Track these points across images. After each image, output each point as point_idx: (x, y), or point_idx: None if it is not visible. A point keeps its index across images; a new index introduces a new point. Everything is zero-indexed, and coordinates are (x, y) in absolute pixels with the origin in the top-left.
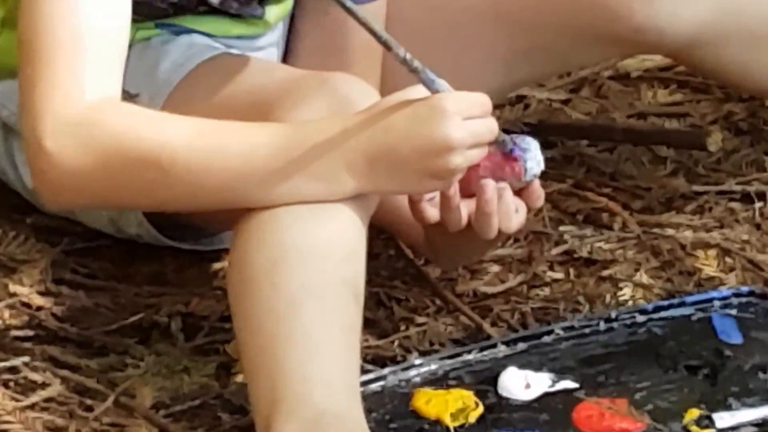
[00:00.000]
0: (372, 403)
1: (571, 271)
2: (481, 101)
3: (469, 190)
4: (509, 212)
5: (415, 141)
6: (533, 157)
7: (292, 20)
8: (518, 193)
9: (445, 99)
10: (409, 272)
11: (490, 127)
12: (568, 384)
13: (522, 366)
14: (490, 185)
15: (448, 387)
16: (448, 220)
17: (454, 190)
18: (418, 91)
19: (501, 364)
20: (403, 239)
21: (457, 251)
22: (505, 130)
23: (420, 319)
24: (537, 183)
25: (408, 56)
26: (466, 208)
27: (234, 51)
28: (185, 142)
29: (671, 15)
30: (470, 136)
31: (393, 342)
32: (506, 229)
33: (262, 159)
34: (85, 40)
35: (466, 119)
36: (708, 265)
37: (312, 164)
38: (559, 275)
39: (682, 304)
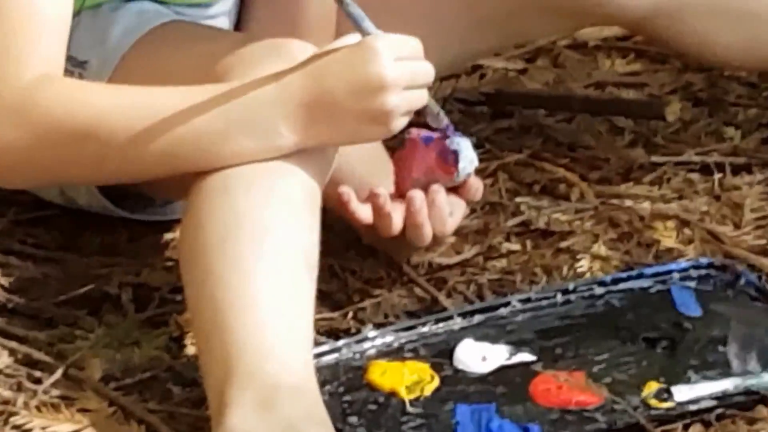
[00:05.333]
0: (326, 375)
1: (528, 242)
2: (413, 43)
3: (402, 191)
4: (443, 217)
5: (349, 83)
6: (465, 156)
7: None
8: (454, 188)
9: (376, 39)
10: (364, 243)
11: (424, 69)
12: (525, 356)
13: (478, 338)
14: (417, 197)
15: (404, 359)
16: (380, 226)
17: (384, 198)
18: (351, 39)
19: (457, 336)
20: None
21: (396, 250)
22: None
23: (375, 291)
24: (473, 178)
25: None
26: (400, 213)
27: (185, 19)
28: (122, 112)
29: None
30: (404, 75)
31: (347, 314)
32: (441, 234)
33: (200, 121)
34: (24, 19)
35: (399, 59)
36: (667, 236)
37: (250, 120)
38: (516, 247)
39: (640, 276)
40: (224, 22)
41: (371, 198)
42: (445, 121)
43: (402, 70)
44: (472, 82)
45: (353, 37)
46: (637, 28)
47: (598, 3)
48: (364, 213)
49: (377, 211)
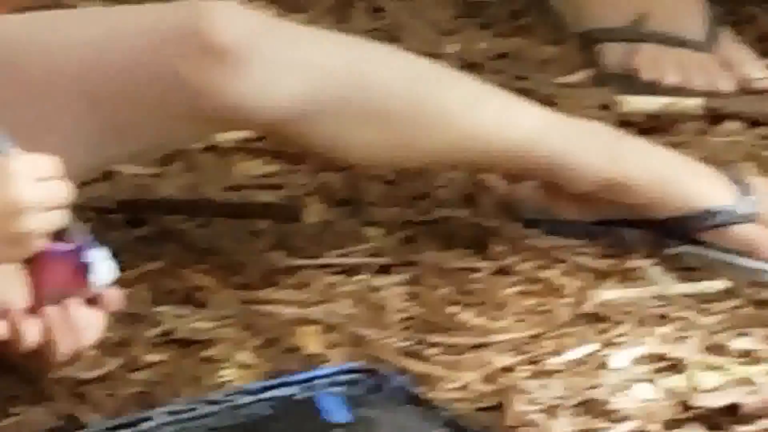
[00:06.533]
0: None
1: (171, 352)
2: (52, 163)
3: (37, 305)
4: (79, 332)
5: None
6: (99, 268)
7: None
8: (93, 300)
9: (12, 160)
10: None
11: (64, 189)
12: None
13: None
14: (51, 314)
15: None
16: (15, 343)
17: (16, 314)
18: None
19: None
20: None
21: (34, 366)
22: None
23: (13, 410)
24: (111, 289)
25: None
26: (35, 328)
27: None
28: None
29: (260, 93)
30: (43, 197)
31: None
32: (79, 349)
33: None
34: None
35: (38, 180)
36: (312, 341)
37: None
38: (158, 357)
39: (286, 384)
40: None
41: (3, 315)
42: (85, 236)
43: (40, 191)
44: (106, 188)
45: None
46: (269, 133)
47: (227, 110)
48: None
49: (10, 328)
